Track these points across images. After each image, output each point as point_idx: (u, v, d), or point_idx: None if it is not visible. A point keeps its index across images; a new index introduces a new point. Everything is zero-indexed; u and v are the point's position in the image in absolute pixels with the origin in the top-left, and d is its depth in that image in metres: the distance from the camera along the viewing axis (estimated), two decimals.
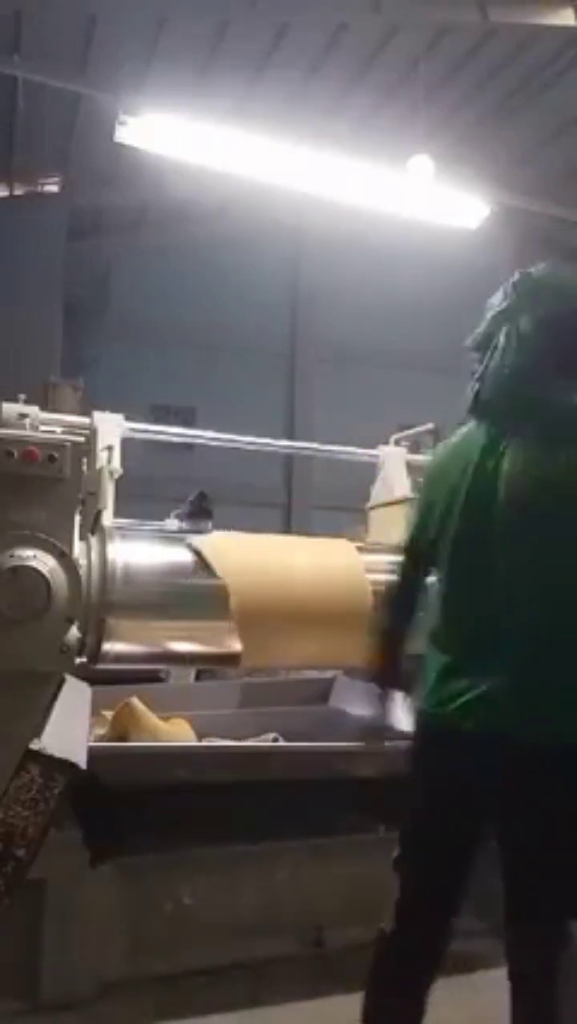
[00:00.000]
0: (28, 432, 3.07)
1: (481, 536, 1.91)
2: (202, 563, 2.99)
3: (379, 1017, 2.05)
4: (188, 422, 9.60)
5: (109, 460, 4.73)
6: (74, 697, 2.61)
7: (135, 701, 3.19)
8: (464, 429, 2.10)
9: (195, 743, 3.16)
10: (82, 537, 2.98)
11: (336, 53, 9.36)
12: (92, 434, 4.79)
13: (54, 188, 12.05)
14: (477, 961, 2.74)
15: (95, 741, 2.79)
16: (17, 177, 11.53)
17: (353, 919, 3.00)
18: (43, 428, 3.59)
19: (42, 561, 2.63)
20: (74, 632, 2.81)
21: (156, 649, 3.25)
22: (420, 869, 2.05)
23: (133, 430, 5.14)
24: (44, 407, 5.09)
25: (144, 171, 9.22)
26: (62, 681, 2.65)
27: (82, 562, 2.87)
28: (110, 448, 4.79)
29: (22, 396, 4.52)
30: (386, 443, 4.97)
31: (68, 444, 2.77)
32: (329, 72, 9.63)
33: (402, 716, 3.00)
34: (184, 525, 6.16)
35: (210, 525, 6.17)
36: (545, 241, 14.16)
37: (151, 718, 3.15)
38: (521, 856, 1.95)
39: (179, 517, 6.45)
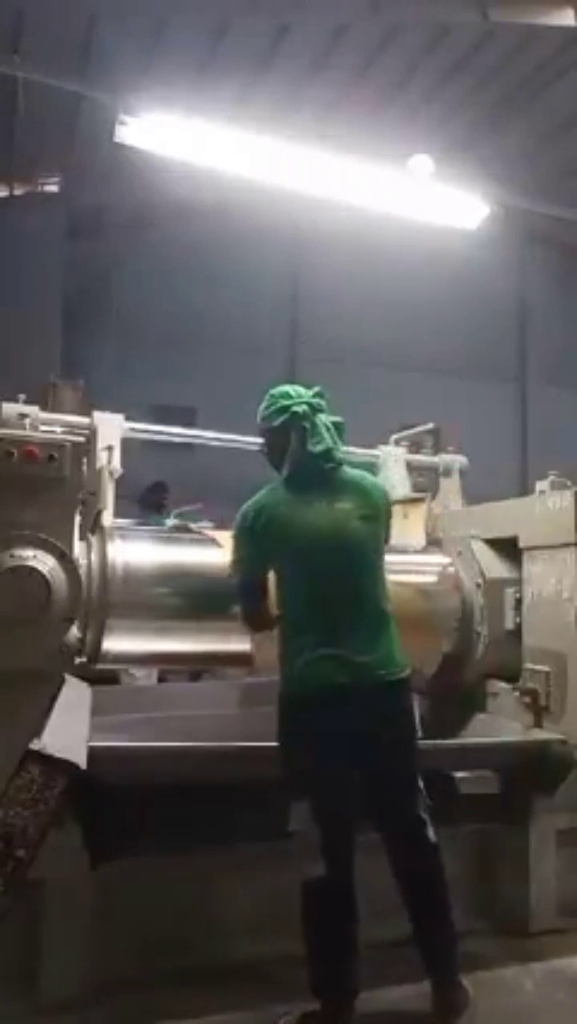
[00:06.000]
0: (28, 432, 3.07)
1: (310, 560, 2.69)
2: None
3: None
4: (188, 422, 9.58)
5: (109, 460, 4.73)
6: (74, 697, 2.61)
7: None
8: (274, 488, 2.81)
9: (195, 743, 3.15)
10: (82, 537, 2.98)
11: (336, 53, 9.35)
12: (92, 434, 4.80)
13: (54, 188, 12.03)
14: (477, 961, 2.74)
15: None
16: (17, 177, 11.51)
17: None
18: (43, 428, 3.59)
19: (42, 561, 2.63)
20: (74, 632, 2.81)
21: (156, 649, 3.25)
22: (340, 809, 2.57)
23: (133, 430, 5.15)
24: (44, 407, 5.10)
25: (144, 171, 9.20)
26: (62, 681, 2.65)
27: (82, 562, 2.87)
28: (110, 448, 4.79)
29: (22, 396, 4.52)
30: (386, 443, 4.97)
31: (68, 444, 2.77)
32: (329, 72, 9.62)
33: None
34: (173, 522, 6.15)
35: (169, 519, 6.15)
36: (545, 241, 14.18)
37: None
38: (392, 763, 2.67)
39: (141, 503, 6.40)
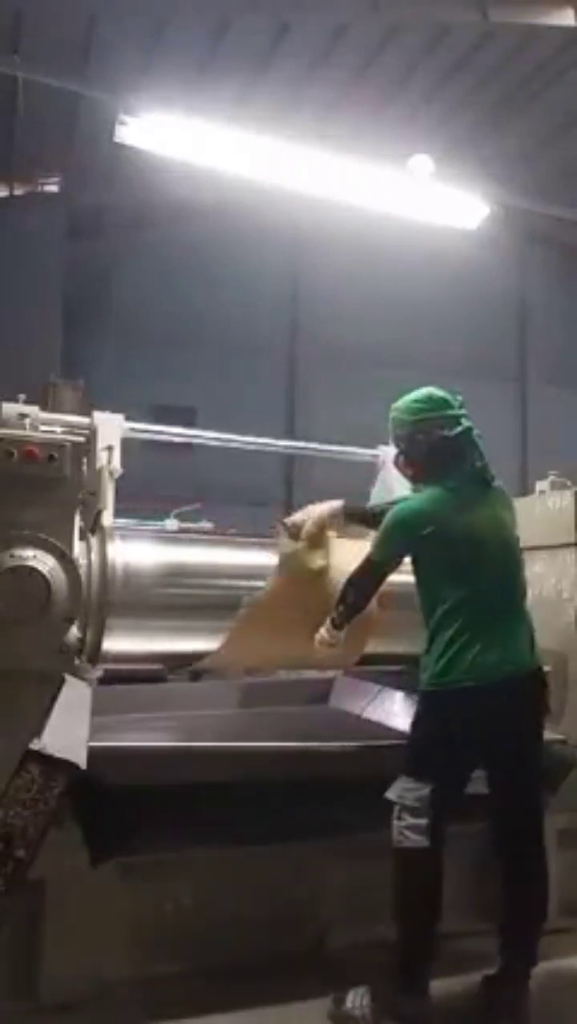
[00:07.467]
0: (28, 432, 3.06)
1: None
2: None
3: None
4: (188, 422, 9.60)
5: (109, 460, 4.73)
6: (74, 697, 2.61)
7: None
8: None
9: (195, 743, 3.15)
10: (82, 537, 2.98)
11: (336, 53, 9.35)
12: (92, 434, 4.79)
13: (54, 188, 12.04)
14: (479, 961, 2.74)
15: None
16: (17, 177, 11.52)
17: (354, 919, 3.00)
18: (43, 428, 3.58)
19: (42, 561, 2.63)
20: (74, 632, 2.80)
21: (156, 649, 3.25)
22: (454, 800, 2.71)
23: (133, 430, 5.15)
24: (44, 407, 5.09)
25: (144, 171, 9.21)
26: (62, 681, 2.65)
27: (82, 562, 2.87)
28: (110, 448, 4.79)
29: (22, 396, 4.52)
30: (386, 443, 4.95)
31: (68, 444, 2.77)
32: (329, 72, 9.63)
33: (400, 715, 2.98)
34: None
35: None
36: (545, 241, 14.19)
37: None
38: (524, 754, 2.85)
39: None
